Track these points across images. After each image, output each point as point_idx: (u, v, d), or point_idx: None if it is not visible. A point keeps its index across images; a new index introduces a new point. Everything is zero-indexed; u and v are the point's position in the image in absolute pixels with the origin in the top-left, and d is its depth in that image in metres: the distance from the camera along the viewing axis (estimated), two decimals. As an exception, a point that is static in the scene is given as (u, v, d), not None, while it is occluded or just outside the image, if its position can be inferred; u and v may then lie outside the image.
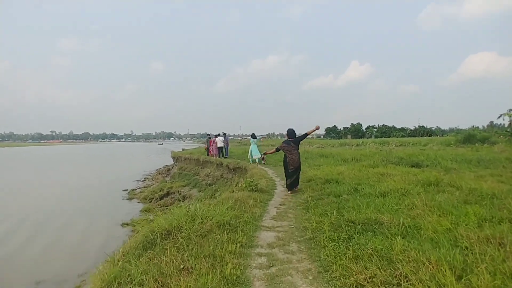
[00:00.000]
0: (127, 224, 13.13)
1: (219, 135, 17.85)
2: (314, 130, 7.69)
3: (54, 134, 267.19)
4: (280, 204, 5.92)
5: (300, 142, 7.70)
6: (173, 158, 26.14)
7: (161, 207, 15.77)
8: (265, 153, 10.01)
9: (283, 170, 7.72)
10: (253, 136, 15.47)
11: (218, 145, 17.41)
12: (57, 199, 18.44)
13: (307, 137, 8.19)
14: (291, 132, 7.54)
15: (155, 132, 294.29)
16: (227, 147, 18.09)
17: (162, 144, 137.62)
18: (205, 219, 4.12)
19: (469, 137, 23.02)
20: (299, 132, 8.11)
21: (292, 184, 7.32)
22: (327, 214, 4.72)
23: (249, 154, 14.98)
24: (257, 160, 14.40)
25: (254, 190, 6.80)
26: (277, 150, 7.82)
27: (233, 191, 7.49)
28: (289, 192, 7.21)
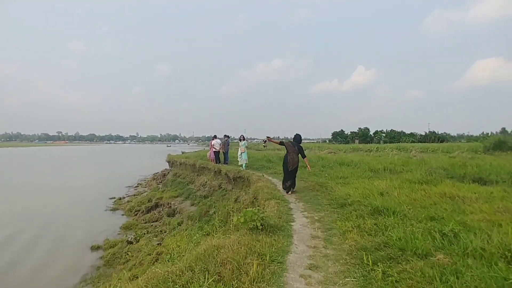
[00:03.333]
0: (98, 247, 10.39)
1: (215, 137, 15.01)
2: (308, 166, 8.48)
3: (60, 135, 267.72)
4: (309, 267, 3.08)
5: (300, 152, 7.69)
6: (169, 162, 23.41)
7: (145, 222, 13.04)
8: (268, 137, 9.17)
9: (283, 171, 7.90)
10: (242, 138, 13.53)
11: (214, 149, 14.58)
12: (29, 209, 15.81)
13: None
14: (298, 137, 7.98)
15: (160, 134, 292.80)
16: (226, 151, 15.22)
17: (170, 146, 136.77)
18: None
19: (500, 144, 20.64)
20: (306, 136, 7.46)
21: (290, 186, 7.53)
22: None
23: (238, 157, 13.23)
24: (244, 166, 12.64)
25: (260, 228, 3.99)
26: (281, 143, 8.21)
27: (226, 230, 4.79)
28: (287, 193, 7.44)
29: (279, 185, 8.84)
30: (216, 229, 7.37)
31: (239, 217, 4.05)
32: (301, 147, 7.76)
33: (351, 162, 12.78)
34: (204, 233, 7.41)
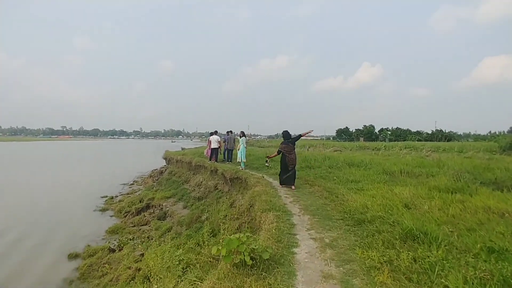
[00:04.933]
0: (76, 256, 9.27)
1: (215, 133, 13.73)
2: (308, 133, 8.52)
3: (64, 129, 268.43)
4: None
5: (295, 142, 8.01)
6: (165, 159, 22.27)
7: (133, 226, 11.91)
8: (268, 157, 9.17)
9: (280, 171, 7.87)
10: (241, 134, 12.15)
11: (212, 146, 13.35)
12: (9, 208, 14.77)
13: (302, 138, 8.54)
14: (286, 134, 8.02)
15: (164, 129, 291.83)
16: (231, 148, 13.83)
17: (174, 141, 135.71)
18: None
19: (518, 143, 19.55)
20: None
21: (288, 179, 7.58)
22: None
23: (238, 156, 11.78)
24: (242, 165, 11.36)
25: (250, 264, 2.77)
26: (279, 152, 7.88)
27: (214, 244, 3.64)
28: (281, 185, 7.68)
29: (281, 188, 7.65)
30: (204, 242, 6.23)
31: (219, 247, 2.84)
32: (293, 139, 7.95)
33: (361, 162, 11.53)
34: (188, 247, 6.26)
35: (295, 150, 7.85)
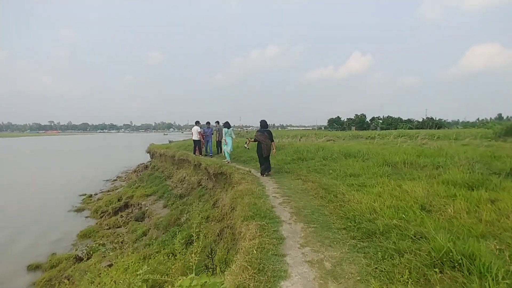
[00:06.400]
0: (37, 267, 8.09)
1: (196, 124, 12.36)
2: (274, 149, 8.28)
3: (52, 124, 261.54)
4: None
5: (270, 137, 8.06)
6: (149, 153, 20.92)
7: (108, 228, 10.73)
8: (248, 140, 9.35)
9: (257, 159, 8.38)
10: (227, 125, 10.77)
11: (193, 138, 12.13)
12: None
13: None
14: (264, 123, 8.17)
15: (155, 122, 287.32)
16: (222, 140, 12.51)
17: (167, 134, 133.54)
18: None
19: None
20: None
21: (265, 169, 7.84)
22: None
23: (224, 147, 10.87)
24: (227, 157, 10.55)
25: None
26: (255, 140, 8.10)
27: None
28: (262, 175, 7.74)
29: (269, 185, 6.59)
30: (174, 255, 5.15)
31: None
32: (270, 131, 8.16)
33: (358, 152, 10.44)
34: (158, 261, 5.17)
35: (271, 141, 8.03)
